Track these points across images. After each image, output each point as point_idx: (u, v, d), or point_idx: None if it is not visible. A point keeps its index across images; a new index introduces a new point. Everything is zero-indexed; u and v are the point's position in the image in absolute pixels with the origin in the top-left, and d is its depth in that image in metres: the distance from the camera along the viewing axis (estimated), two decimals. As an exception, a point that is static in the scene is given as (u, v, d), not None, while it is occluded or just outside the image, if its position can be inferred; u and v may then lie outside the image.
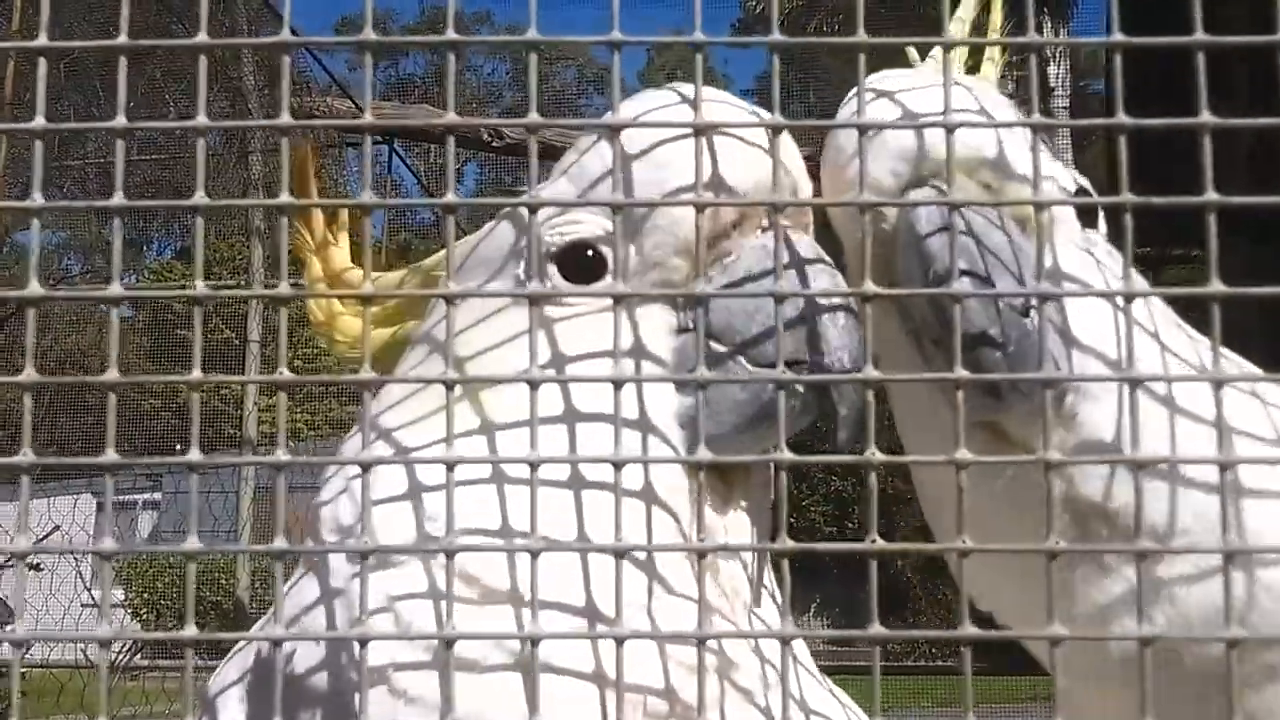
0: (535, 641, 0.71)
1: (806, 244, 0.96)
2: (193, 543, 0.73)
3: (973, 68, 1.11)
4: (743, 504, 0.95)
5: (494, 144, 8.44)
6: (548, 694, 0.80)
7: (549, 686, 0.81)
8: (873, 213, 0.97)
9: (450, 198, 0.75)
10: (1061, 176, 1.01)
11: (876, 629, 0.71)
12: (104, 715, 0.72)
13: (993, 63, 1.11)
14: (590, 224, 0.95)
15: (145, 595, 17.68)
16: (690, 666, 0.86)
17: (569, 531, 0.86)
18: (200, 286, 0.77)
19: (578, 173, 0.98)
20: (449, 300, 0.76)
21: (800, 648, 1.02)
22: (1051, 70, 23.54)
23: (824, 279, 0.93)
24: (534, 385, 0.73)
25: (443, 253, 1.12)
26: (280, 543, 0.72)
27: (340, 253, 1.14)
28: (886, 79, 1.00)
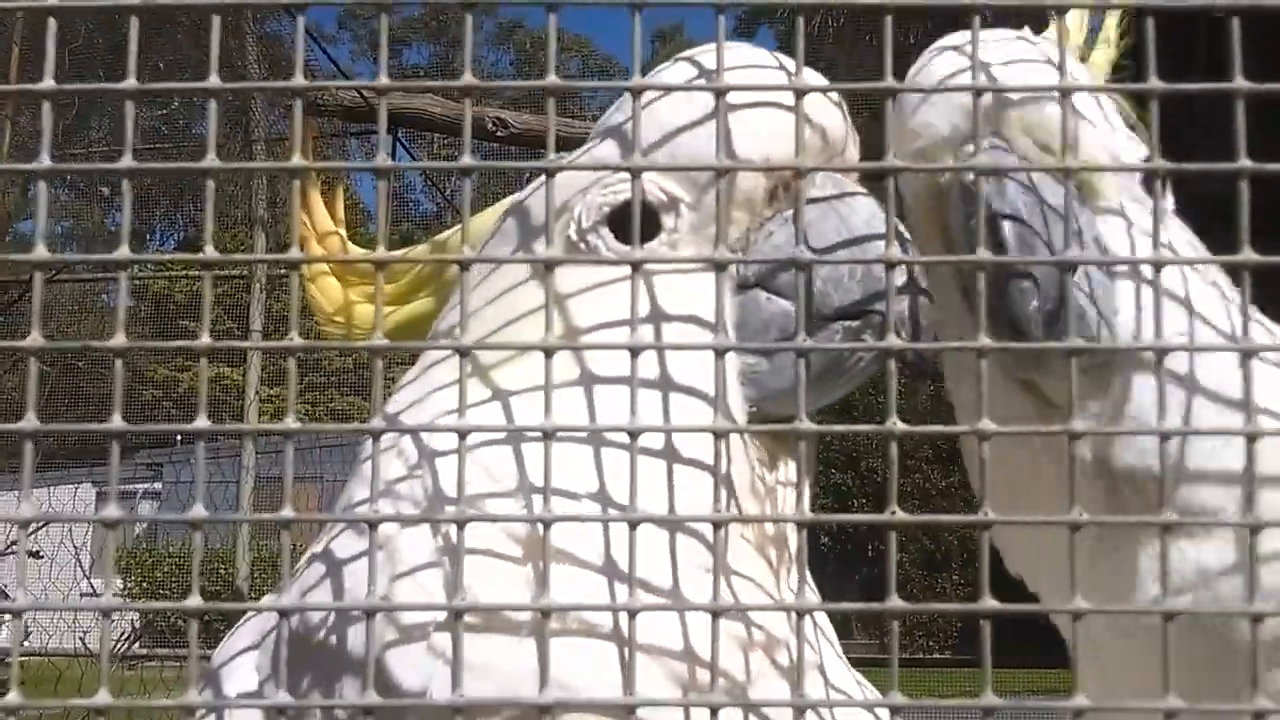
0: (547, 613, 0.69)
1: (863, 203, 0.96)
2: (198, 510, 0.71)
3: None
4: (790, 464, 0.95)
5: (498, 133, 8.40)
6: (582, 660, 0.79)
7: (583, 653, 0.80)
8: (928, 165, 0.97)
9: (466, 160, 0.73)
10: (1125, 147, 0.99)
11: (895, 603, 0.69)
12: (104, 687, 0.70)
13: (1108, 44, 1.11)
14: (645, 184, 0.94)
15: (144, 584, 17.68)
16: (736, 639, 0.85)
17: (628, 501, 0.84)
18: (209, 250, 0.76)
19: (628, 133, 0.97)
20: (463, 266, 0.74)
21: (825, 625, 1.01)
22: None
23: (880, 224, 0.93)
24: (549, 353, 0.72)
25: (452, 231, 1.11)
26: (287, 511, 0.70)
27: (329, 216, 1.13)
28: (957, 38, 0.99)
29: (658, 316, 0.89)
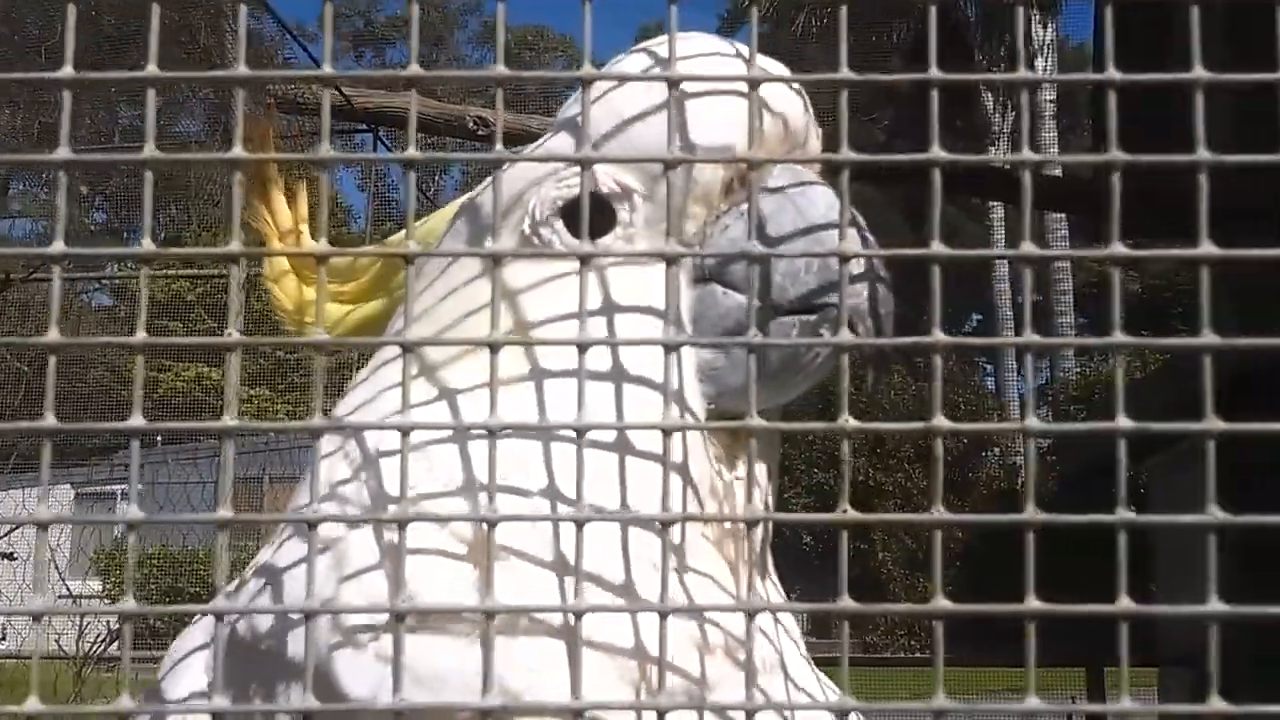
0: (491, 615, 0.68)
1: (820, 193, 0.93)
2: (133, 511, 0.70)
3: None
4: (748, 464, 0.93)
5: (479, 132, 8.39)
6: (529, 662, 0.78)
7: (530, 655, 0.78)
8: None
9: (412, 152, 0.71)
10: None
11: (846, 603, 0.68)
12: (34, 694, 0.68)
13: None
14: (598, 176, 0.93)
15: (124, 585, 17.50)
16: (693, 641, 0.83)
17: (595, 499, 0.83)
18: (147, 244, 0.74)
19: (581, 125, 0.95)
20: (408, 261, 0.73)
21: (791, 625, 1.00)
22: (1039, 64, 23.61)
23: (837, 216, 0.91)
24: (495, 349, 0.70)
25: (425, 225, 1.09)
26: (225, 512, 0.69)
27: (290, 212, 1.10)
28: None
29: (611, 311, 0.88)
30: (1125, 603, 0.68)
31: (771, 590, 0.98)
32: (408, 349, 0.70)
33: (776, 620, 0.96)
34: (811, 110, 0.98)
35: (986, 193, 8.90)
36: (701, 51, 0.94)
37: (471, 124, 8.24)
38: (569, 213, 0.93)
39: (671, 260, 0.71)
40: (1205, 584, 0.67)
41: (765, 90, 0.93)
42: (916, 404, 18.60)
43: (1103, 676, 8.67)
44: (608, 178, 0.93)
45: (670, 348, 0.70)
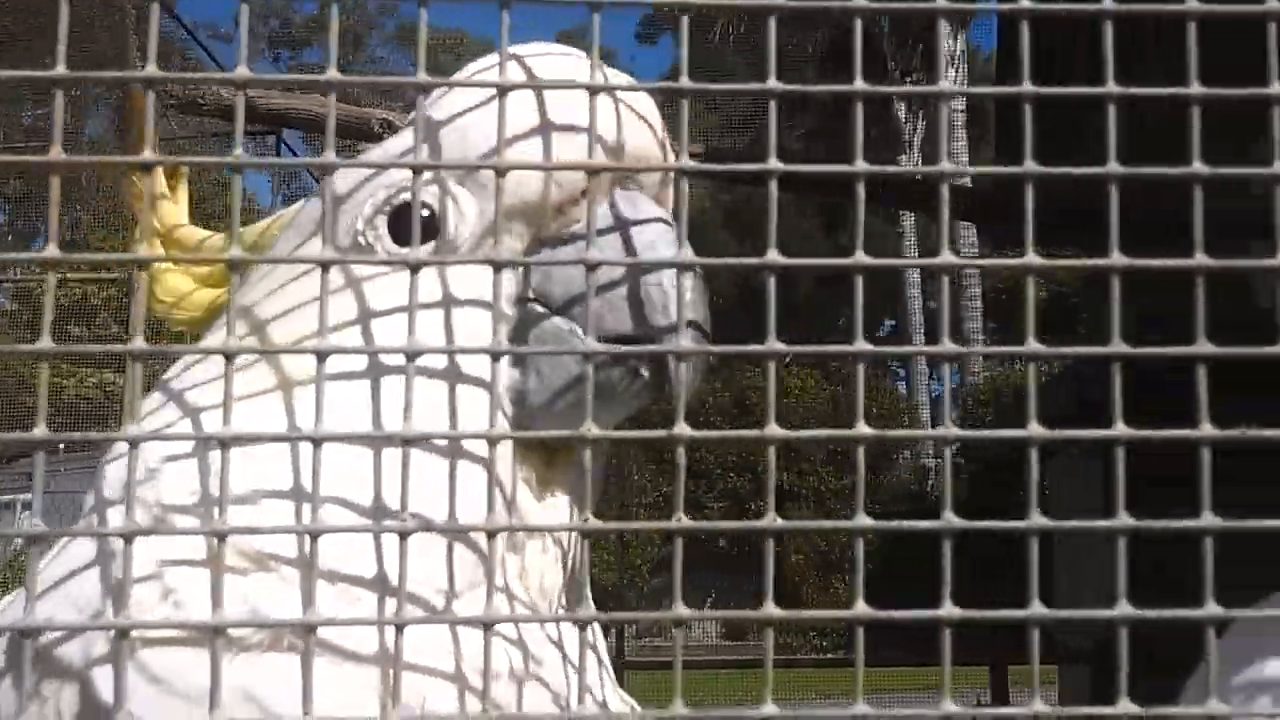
0: (220, 630, 0.66)
1: (649, 210, 0.92)
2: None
3: None
4: (561, 489, 0.92)
5: (385, 135, 8.33)
6: (261, 675, 0.77)
7: (263, 668, 0.78)
8: None
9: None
10: None
11: (589, 610, 0.68)
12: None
13: None
14: (425, 184, 0.91)
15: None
16: (472, 663, 0.82)
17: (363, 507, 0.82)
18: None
19: (422, 129, 0.93)
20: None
21: (601, 646, 0.99)
22: (951, 75, 24.08)
23: (665, 247, 0.89)
24: (229, 357, 0.69)
25: (279, 220, 1.06)
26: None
27: (175, 208, 1.07)
28: None
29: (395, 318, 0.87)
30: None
31: (589, 605, 0.97)
32: (135, 358, 0.69)
33: (591, 638, 0.95)
34: (663, 125, 0.96)
35: (898, 202, 9.02)
36: (551, 65, 0.92)
37: (378, 127, 8.16)
38: (395, 216, 0.92)
39: (415, 269, 0.70)
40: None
41: (620, 106, 0.92)
42: (831, 407, 18.82)
43: (1006, 675, 8.83)
44: (433, 184, 0.92)
45: (411, 356, 0.69)
